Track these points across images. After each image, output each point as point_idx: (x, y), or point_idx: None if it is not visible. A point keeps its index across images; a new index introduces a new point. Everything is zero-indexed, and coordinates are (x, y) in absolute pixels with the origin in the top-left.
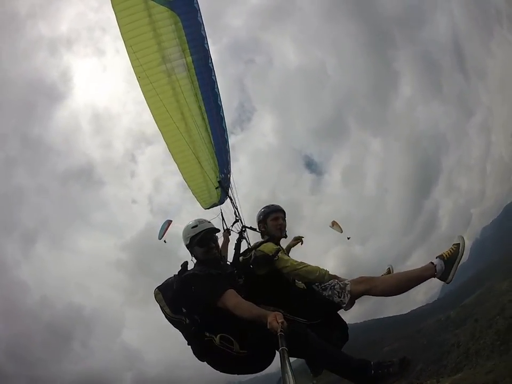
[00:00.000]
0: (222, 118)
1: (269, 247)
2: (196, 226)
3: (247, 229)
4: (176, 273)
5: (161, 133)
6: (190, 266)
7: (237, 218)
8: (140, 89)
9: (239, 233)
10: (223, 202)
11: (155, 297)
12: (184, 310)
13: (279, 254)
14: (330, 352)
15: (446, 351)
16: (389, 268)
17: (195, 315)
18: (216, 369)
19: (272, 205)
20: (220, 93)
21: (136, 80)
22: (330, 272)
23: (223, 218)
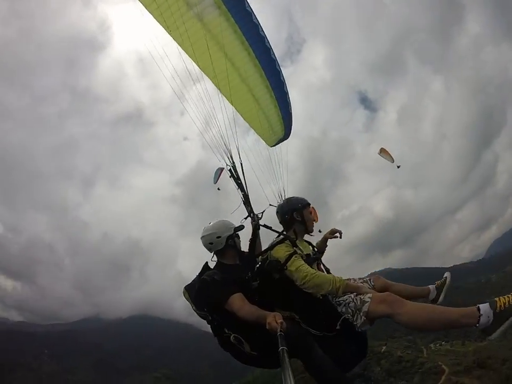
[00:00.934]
0: (269, 49)
1: (281, 251)
2: (228, 222)
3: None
4: (198, 274)
5: (211, 78)
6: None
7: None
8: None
9: (253, 229)
10: (288, 137)
11: (184, 295)
12: (205, 309)
13: (291, 260)
14: (325, 374)
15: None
16: (445, 278)
17: (214, 314)
18: (237, 360)
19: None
20: (263, 24)
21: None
22: (352, 278)
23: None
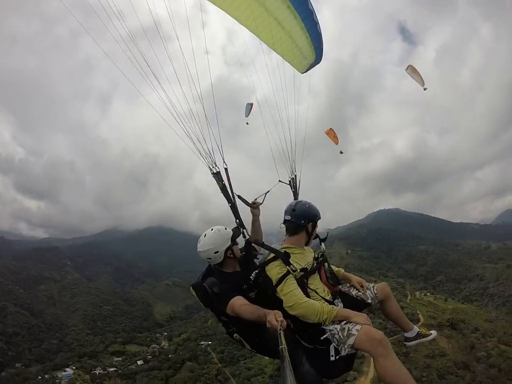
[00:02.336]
0: None
1: (274, 271)
2: (225, 228)
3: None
4: (201, 274)
5: (235, 8)
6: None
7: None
8: None
9: (245, 245)
10: (320, 60)
11: (191, 293)
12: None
13: (282, 283)
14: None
15: (469, 278)
16: (430, 335)
17: (219, 316)
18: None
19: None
20: None
21: None
22: (358, 280)
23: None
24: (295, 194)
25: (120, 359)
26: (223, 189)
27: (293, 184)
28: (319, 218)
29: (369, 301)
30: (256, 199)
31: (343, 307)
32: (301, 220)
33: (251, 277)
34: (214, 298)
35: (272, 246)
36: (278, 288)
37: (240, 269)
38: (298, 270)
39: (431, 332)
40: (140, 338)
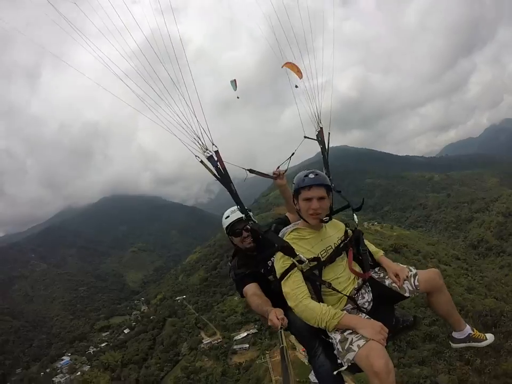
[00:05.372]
0: None
1: (278, 263)
2: (228, 216)
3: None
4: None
5: None
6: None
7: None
8: None
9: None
10: None
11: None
12: None
13: (285, 278)
14: (325, 378)
15: (413, 206)
16: (485, 342)
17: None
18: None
19: (308, 174)
20: None
21: None
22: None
23: None
24: (324, 151)
25: (107, 333)
26: (219, 174)
27: (320, 139)
28: (296, 188)
29: (407, 294)
30: (278, 167)
31: (373, 297)
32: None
33: (269, 262)
34: (234, 283)
35: (283, 231)
36: (282, 284)
37: (258, 251)
38: (307, 262)
39: (488, 335)
40: (120, 309)
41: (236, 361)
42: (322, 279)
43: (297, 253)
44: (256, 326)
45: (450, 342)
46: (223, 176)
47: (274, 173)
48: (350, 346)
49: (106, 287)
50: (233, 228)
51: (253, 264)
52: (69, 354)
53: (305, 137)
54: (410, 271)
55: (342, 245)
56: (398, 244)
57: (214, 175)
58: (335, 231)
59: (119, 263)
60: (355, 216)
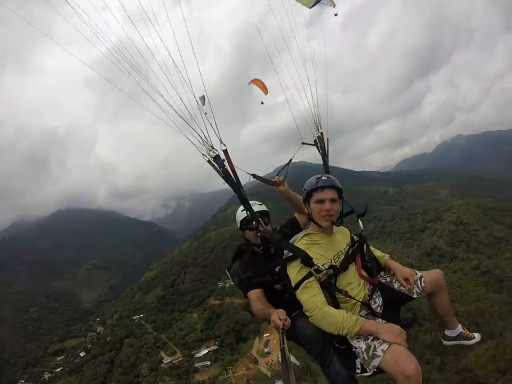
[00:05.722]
0: None
1: (293, 272)
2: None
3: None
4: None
5: None
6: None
7: None
8: None
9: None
10: None
11: (226, 272)
12: None
13: (301, 287)
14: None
15: (369, 219)
16: (472, 340)
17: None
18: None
19: (321, 177)
20: None
21: None
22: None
23: None
24: (324, 156)
25: (62, 357)
26: (226, 176)
27: (320, 145)
28: (308, 191)
29: (415, 296)
30: (277, 175)
31: (383, 301)
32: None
33: (276, 269)
34: (239, 286)
35: (294, 238)
36: (297, 292)
37: (270, 252)
38: (324, 271)
39: (475, 334)
40: (75, 331)
41: (199, 379)
42: (337, 286)
43: (315, 262)
44: (216, 342)
45: (442, 339)
46: (229, 178)
47: (274, 181)
48: (374, 352)
49: (59, 307)
50: (249, 222)
51: (259, 264)
52: (23, 381)
53: (303, 143)
54: (416, 274)
55: (350, 251)
56: None
57: (222, 176)
58: (342, 237)
59: (73, 282)
60: (360, 222)
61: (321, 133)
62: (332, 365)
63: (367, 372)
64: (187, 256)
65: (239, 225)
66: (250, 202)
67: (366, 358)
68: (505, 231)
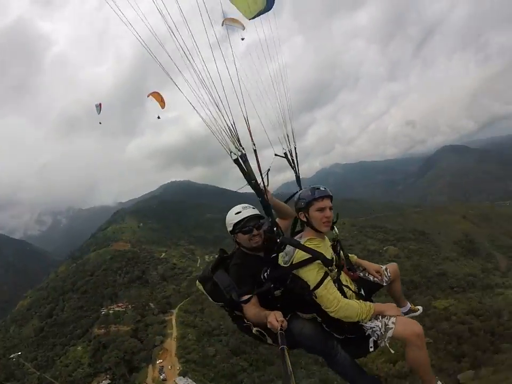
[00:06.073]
0: None
1: (312, 274)
2: (240, 212)
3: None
4: (211, 265)
5: None
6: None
7: None
8: None
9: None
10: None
11: (197, 287)
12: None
13: (322, 286)
14: (352, 370)
15: None
16: (416, 311)
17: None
18: (250, 337)
19: (319, 187)
20: None
21: None
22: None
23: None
24: (295, 168)
25: None
26: (251, 178)
27: (291, 158)
28: (306, 201)
29: (384, 284)
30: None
31: (364, 291)
32: (297, 213)
33: (264, 274)
34: (228, 292)
35: (302, 244)
36: (317, 292)
37: (264, 254)
38: (336, 270)
39: (418, 307)
40: None
41: None
42: (342, 282)
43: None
44: (108, 376)
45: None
46: (255, 180)
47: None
48: (387, 326)
49: None
50: (244, 225)
51: (252, 266)
52: None
53: (276, 155)
54: (382, 267)
55: (337, 252)
56: None
57: (248, 179)
58: (328, 242)
59: None
60: (335, 228)
61: (295, 147)
62: (338, 353)
63: (379, 347)
64: (65, 281)
65: (231, 228)
66: (243, 205)
67: (382, 332)
68: (377, 244)
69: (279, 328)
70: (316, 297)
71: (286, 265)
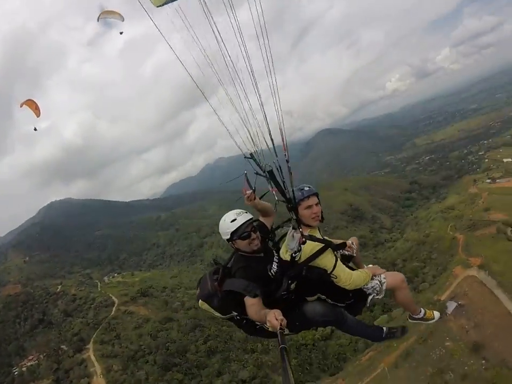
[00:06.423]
0: None
1: (329, 261)
2: (235, 219)
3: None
4: (210, 274)
5: None
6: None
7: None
8: None
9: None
10: None
11: (201, 307)
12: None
13: (336, 267)
14: (359, 326)
15: (146, 249)
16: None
17: (244, 315)
18: (264, 338)
19: (303, 188)
20: None
21: None
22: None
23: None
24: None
25: None
26: (284, 188)
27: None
28: (298, 200)
29: (354, 254)
30: (246, 191)
31: None
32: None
33: (272, 271)
34: (252, 295)
35: (316, 237)
36: (335, 272)
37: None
38: (339, 254)
39: (435, 313)
40: None
41: None
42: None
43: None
44: None
45: (408, 318)
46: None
47: (247, 196)
48: (381, 281)
49: None
50: (243, 231)
51: (253, 268)
52: None
53: (245, 157)
54: (348, 241)
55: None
56: (144, 288)
57: (282, 191)
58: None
59: None
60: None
61: (287, 160)
62: (347, 318)
63: (378, 297)
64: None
65: (228, 237)
66: (235, 212)
67: (380, 286)
68: None
69: (278, 327)
70: (336, 277)
71: (296, 259)
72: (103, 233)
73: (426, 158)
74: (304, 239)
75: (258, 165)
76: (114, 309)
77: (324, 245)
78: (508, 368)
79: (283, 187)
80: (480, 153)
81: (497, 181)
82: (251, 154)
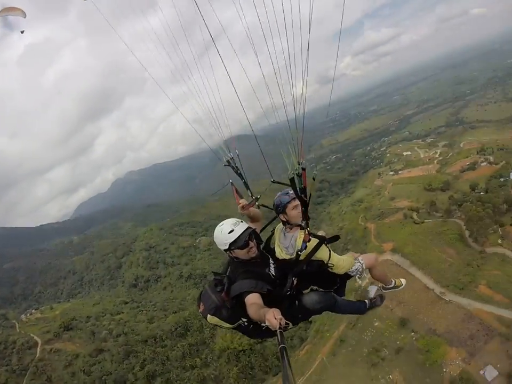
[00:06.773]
0: None
1: (325, 252)
2: (233, 230)
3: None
4: (211, 288)
5: None
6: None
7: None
8: None
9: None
10: None
11: (210, 322)
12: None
13: (331, 257)
14: (348, 304)
15: (64, 276)
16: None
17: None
18: (268, 337)
19: (288, 192)
20: None
21: None
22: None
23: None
24: (241, 175)
25: None
26: (306, 192)
27: (235, 165)
28: (282, 205)
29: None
30: (242, 200)
31: None
32: (277, 215)
33: (272, 272)
34: (265, 290)
35: (294, 236)
36: (332, 261)
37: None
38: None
39: (402, 280)
40: None
41: None
42: None
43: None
44: None
45: (382, 289)
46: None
47: (242, 206)
48: (361, 264)
49: None
50: (241, 241)
51: (253, 271)
52: None
53: (272, 181)
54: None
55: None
56: (66, 321)
57: (309, 196)
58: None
59: None
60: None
61: (304, 168)
62: (338, 299)
63: (362, 277)
64: None
65: (226, 247)
66: (232, 222)
67: (362, 267)
68: (190, 240)
69: (278, 326)
70: (333, 265)
71: (293, 256)
72: (13, 265)
73: (333, 157)
74: (309, 237)
75: (236, 172)
76: (38, 349)
77: (319, 240)
78: (437, 335)
79: (298, 193)
80: (382, 149)
81: (399, 172)
82: (228, 161)
